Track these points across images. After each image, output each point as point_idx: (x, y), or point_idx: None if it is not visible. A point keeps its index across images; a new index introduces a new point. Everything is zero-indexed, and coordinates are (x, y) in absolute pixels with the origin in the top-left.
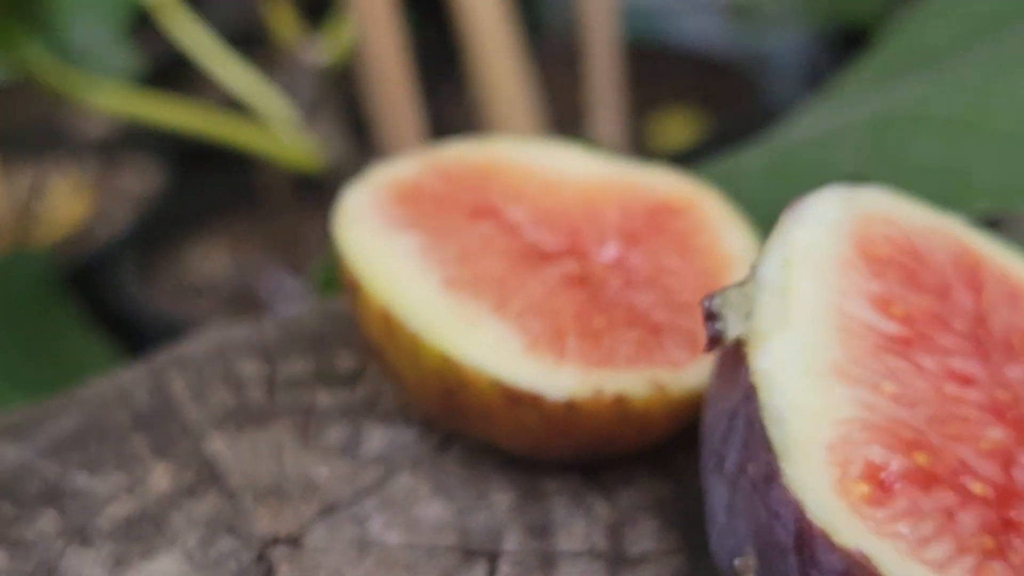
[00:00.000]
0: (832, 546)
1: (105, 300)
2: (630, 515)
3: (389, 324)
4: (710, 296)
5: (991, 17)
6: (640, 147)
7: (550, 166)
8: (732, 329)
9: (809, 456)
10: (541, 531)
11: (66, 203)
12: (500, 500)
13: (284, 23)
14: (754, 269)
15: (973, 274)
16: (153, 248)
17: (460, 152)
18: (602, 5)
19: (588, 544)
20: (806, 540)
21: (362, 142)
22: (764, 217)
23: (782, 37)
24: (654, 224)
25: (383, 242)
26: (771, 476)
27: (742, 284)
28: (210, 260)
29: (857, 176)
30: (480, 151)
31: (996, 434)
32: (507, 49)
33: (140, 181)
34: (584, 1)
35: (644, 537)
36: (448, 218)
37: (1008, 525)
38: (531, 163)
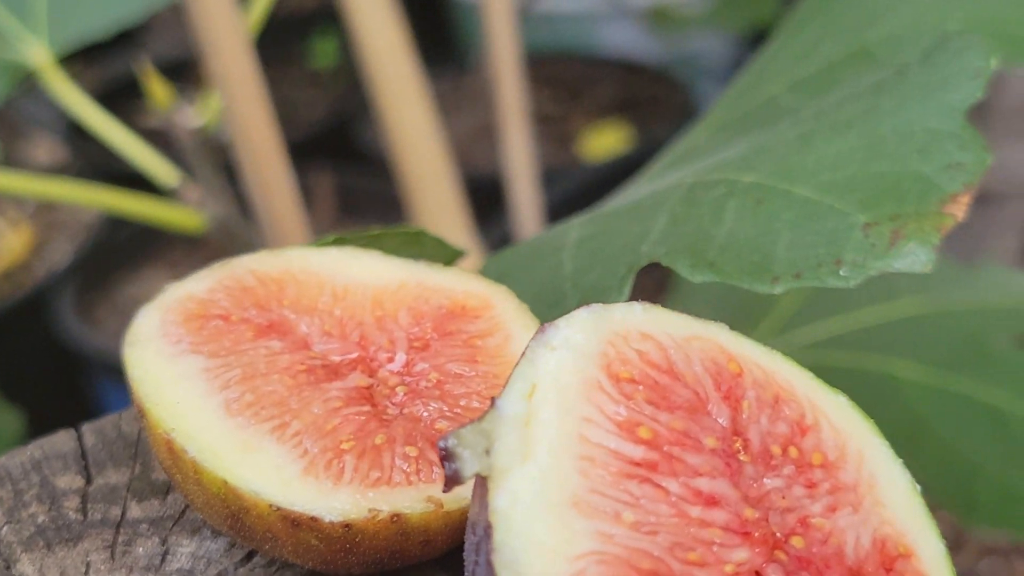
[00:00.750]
0: None
1: (47, 333)
2: None
3: (172, 450)
4: (445, 436)
5: (829, 69)
6: (574, 158)
7: (343, 274)
8: (468, 468)
9: None
10: None
11: (5, 239)
12: None
13: (157, 90)
14: (495, 403)
15: (733, 384)
16: (92, 279)
17: (254, 264)
18: (505, 29)
19: None
20: None
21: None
22: (577, 293)
23: (705, 39)
24: (443, 328)
25: (166, 366)
26: None
27: (480, 420)
28: (148, 289)
29: (664, 255)
30: (274, 262)
31: (741, 556)
32: (407, 81)
33: (77, 215)
34: (488, 26)
35: None
36: (235, 336)
37: None
38: (324, 272)
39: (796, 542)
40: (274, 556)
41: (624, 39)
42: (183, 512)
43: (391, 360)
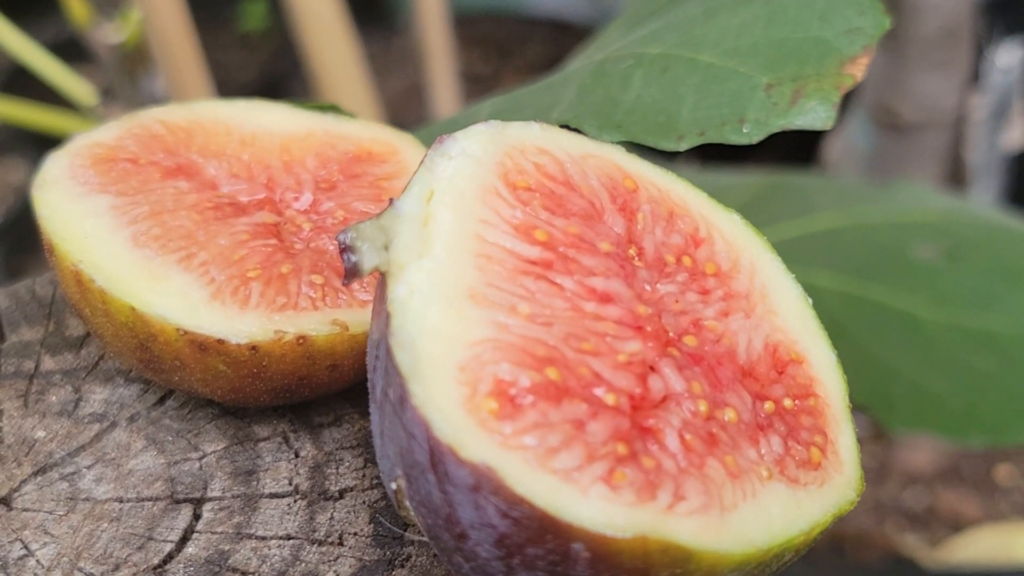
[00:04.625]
0: (460, 461)
1: None
2: (335, 454)
3: (80, 282)
4: (344, 230)
5: None
6: None
7: (252, 123)
8: (367, 261)
9: (438, 377)
10: (247, 476)
11: None
12: (211, 449)
13: (76, 6)
14: (393, 202)
15: (629, 198)
16: (21, 241)
17: (162, 114)
18: None
19: (291, 485)
20: (438, 457)
21: None
22: None
23: None
24: (350, 171)
25: (74, 204)
26: (404, 398)
27: (378, 217)
28: None
29: (573, 119)
30: (182, 113)
31: (633, 347)
32: (333, 26)
33: (5, 176)
34: None
35: (346, 475)
36: (143, 177)
37: (643, 432)
38: (232, 121)
39: (689, 341)
40: (184, 389)
41: (551, 1)
42: (96, 363)
43: (298, 200)
